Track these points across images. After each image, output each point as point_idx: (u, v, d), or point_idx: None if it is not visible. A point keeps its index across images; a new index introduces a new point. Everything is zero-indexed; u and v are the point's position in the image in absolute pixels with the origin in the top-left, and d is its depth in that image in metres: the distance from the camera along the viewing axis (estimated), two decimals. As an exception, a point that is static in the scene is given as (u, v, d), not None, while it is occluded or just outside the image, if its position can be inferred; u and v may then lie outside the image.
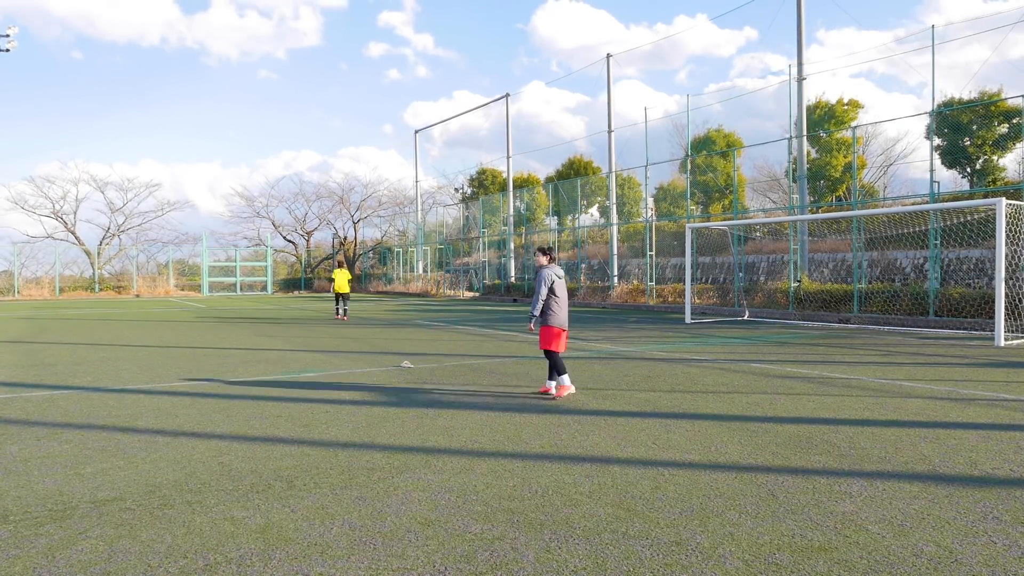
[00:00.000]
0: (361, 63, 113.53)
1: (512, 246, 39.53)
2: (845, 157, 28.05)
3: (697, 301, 24.58)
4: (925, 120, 22.94)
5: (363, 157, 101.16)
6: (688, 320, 19.99)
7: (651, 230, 28.80)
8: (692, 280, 21.84)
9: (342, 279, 21.85)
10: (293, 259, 61.11)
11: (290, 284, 55.89)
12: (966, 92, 26.72)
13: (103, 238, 53.54)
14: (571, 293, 32.13)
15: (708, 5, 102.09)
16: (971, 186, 25.17)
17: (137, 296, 45.19)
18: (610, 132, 32.67)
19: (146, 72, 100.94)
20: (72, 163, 69.17)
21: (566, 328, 8.13)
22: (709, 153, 33.69)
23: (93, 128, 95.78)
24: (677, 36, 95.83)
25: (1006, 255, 14.01)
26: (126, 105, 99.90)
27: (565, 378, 8.01)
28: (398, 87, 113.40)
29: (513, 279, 38.46)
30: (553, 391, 8.02)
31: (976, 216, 18.39)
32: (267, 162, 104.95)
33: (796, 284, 22.41)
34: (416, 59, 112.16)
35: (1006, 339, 13.58)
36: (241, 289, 51.10)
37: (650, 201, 33.91)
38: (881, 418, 6.76)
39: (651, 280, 28.35)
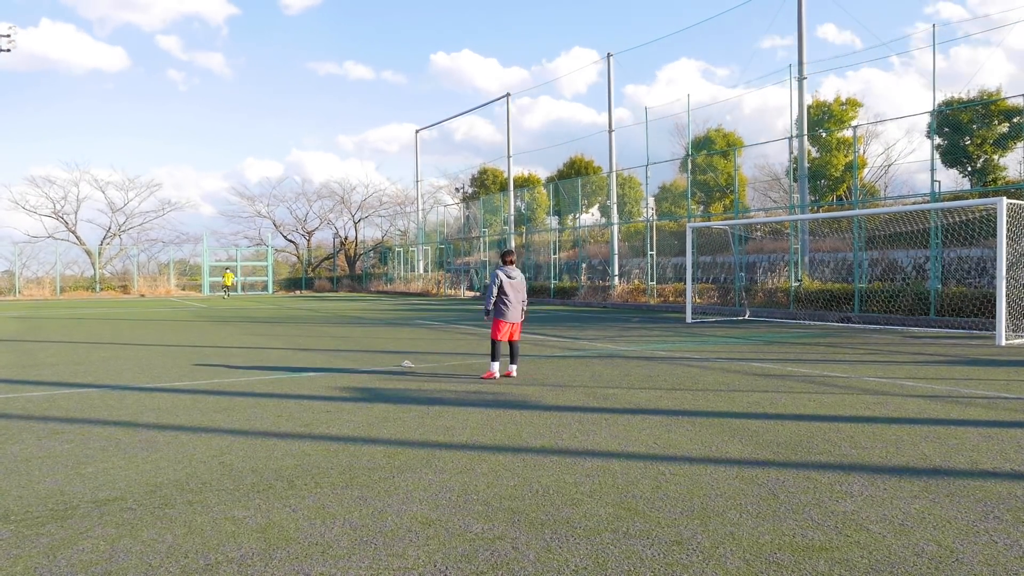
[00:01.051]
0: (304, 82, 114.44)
1: (513, 245, 39.52)
2: (846, 156, 28.02)
3: (698, 300, 24.57)
4: (926, 119, 22.93)
5: (320, 162, 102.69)
6: (689, 319, 19.98)
7: (652, 230, 28.79)
8: (693, 279, 21.83)
9: None
10: (294, 259, 61.17)
11: (291, 284, 55.91)
12: (966, 91, 26.72)
13: (104, 238, 53.61)
14: (572, 292, 32.17)
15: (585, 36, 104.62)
16: (972, 185, 25.15)
17: (142, 296, 45.13)
18: (610, 132, 32.68)
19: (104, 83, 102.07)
20: (72, 163, 69.19)
21: (509, 321, 9.47)
22: (709, 153, 33.68)
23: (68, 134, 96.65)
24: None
25: (1007, 254, 14.00)
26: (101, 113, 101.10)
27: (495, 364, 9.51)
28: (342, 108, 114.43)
29: (514, 279, 38.41)
30: (497, 374, 9.44)
31: (977, 215, 18.37)
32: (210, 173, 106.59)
33: (797, 283, 22.40)
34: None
35: (1007, 338, 13.56)
36: (243, 289, 51.05)
37: (651, 201, 33.91)
38: (882, 417, 6.76)
39: (652, 279, 28.34)
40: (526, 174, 49.87)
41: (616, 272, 31.43)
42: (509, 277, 9.44)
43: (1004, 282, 13.66)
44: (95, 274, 48.54)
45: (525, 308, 9.65)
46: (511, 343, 9.53)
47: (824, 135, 29.16)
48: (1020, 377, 9.26)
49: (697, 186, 32.60)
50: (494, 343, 9.44)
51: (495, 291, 9.40)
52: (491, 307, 9.43)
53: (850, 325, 18.22)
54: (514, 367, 9.53)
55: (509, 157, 40.51)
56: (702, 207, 34.44)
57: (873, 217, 21.52)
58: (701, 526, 3.92)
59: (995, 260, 14.14)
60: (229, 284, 46.72)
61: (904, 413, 6.95)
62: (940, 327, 17.04)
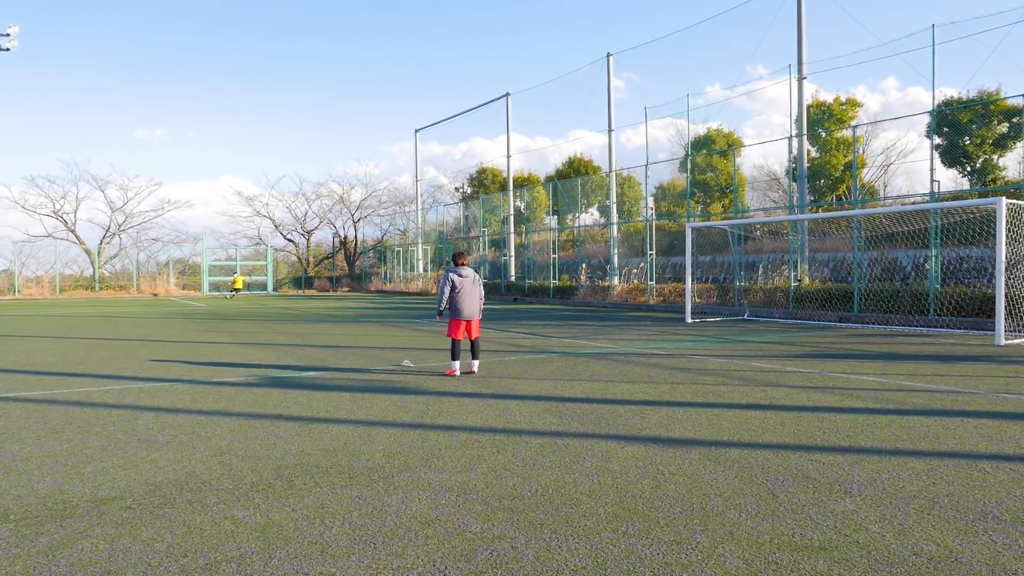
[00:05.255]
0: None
1: (512, 245, 39.51)
2: (845, 156, 28.04)
3: (697, 300, 24.57)
4: (925, 119, 22.95)
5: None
6: (688, 319, 19.98)
7: (651, 229, 28.80)
8: (692, 279, 21.83)
9: None
10: (294, 258, 61.16)
11: (296, 283, 55.90)
12: (966, 91, 26.72)
13: (103, 237, 53.54)
14: (571, 292, 32.17)
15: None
16: (971, 185, 25.16)
17: (155, 295, 44.91)
18: (610, 131, 32.69)
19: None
20: (72, 162, 69.22)
21: (464, 319, 9.78)
22: (709, 152, 33.68)
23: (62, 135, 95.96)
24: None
25: (1006, 254, 14.00)
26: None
27: (455, 363, 9.76)
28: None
29: (513, 278, 38.46)
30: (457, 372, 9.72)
31: (976, 215, 18.37)
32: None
33: (796, 283, 22.41)
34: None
35: (1006, 338, 13.57)
36: (245, 287, 50.93)
37: (650, 200, 33.90)
38: (881, 417, 6.76)
39: (651, 279, 28.35)
40: (526, 174, 49.85)
41: (616, 272, 31.43)
42: (461, 276, 9.75)
43: (1003, 281, 13.67)
44: (94, 273, 48.48)
45: (482, 305, 9.93)
46: (472, 341, 9.90)
47: (824, 135, 29.17)
48: (1019, 376, 9.27)
49: (696, 186, 32.61)
50: (453, 342, 9.76)
51: (447, 292, 9.71)
52: (443, 307, 9.75)
53: (849, 325, 18.22)
54: (476, 363, 9.89)
55: (508, 156, 40.51)
56: (701, 207, 34.46)
57: (872, 217, 21.53)
58: (700, 526, 3.92)
59: (994, 260, 14.15)
60: (240, 287, 46.63)
61: (903, 413, 6.96)
62: (939, 327, 17.05)
